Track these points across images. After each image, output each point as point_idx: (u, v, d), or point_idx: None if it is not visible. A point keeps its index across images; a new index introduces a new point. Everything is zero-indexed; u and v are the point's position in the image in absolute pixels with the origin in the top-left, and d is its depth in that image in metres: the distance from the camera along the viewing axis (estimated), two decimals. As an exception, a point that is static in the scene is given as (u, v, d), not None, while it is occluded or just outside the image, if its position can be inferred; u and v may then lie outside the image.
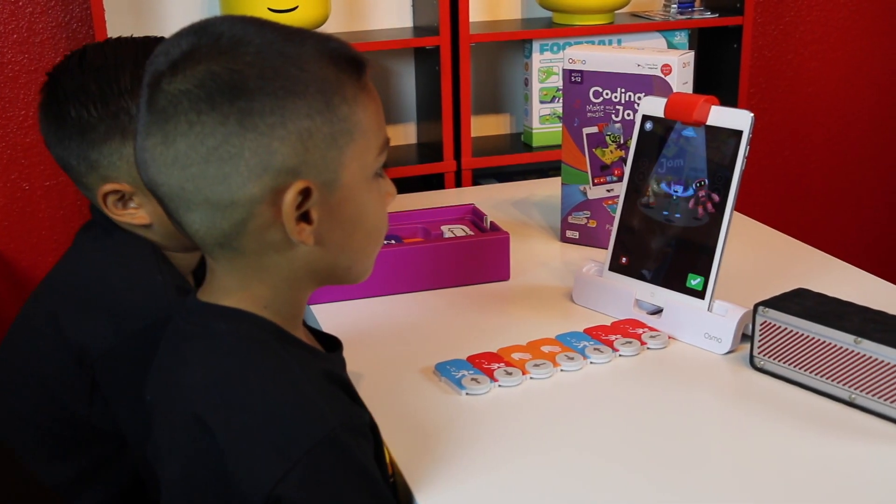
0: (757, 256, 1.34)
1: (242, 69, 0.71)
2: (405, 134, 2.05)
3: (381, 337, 1.10)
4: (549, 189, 1.60)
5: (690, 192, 1.09)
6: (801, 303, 1.00)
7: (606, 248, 1.18)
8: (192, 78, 0.71)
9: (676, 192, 1.10)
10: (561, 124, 1.38)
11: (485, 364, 1.01)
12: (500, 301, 1.19)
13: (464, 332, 1.11)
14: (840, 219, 2.55)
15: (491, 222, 1.30)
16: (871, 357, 0.93)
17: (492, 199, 1.56)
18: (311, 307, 1.17)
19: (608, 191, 1.35)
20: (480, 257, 1.24)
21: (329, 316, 1.14)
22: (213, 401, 0.70)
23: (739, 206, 2.08)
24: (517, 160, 1.92)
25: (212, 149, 0.71)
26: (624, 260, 1.14)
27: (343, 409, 0.73)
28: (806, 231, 2.48)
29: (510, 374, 0.99)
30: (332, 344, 0.84)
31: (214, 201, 0.72)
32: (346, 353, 0.86)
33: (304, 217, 0.74)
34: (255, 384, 0.71)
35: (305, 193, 0.73)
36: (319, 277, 0.78)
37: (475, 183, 1.94)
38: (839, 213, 2.54)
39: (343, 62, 0.75)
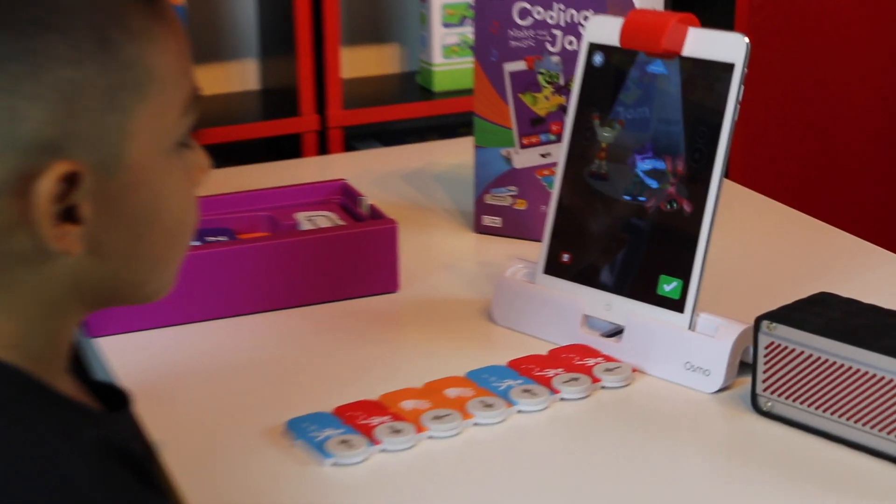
0: (760, 247, 1.34)
1: None
2: (242, 76, 2.04)
3: (201, 382, 1.09)
4: (456, 155, 1.60)
5: (660, 154, 1.10)
6: (825, 314, 1.00)
7: (540, 241, 1.17)
8: None
9: (640, 155, 1.11)
10: (473, 59, 1.37)
11: (361, 418, 1.01)
12: (384, 323, 1.19)
13: (329, 371, 1.11)
14: (882, 189, 2.56)
15: (371, 206, 1.30)
16: (925, 392, 0.95)
17: (373, 172, 1.56)
18: (99, 340, 1.15)
19: (542, 156, 1.35)
20: (355, 259, 1.23)
21: (121, 352, 1.13)
22: None
23: (733, 174, 2.13)
24: (410, 112, 1.94)
25: None
26: (566, 258, 1.15)
27: (128, 498, 0.71)
28: (832, 207, 2.47)
29: (399, 431, 0.99)
30: (116, 399, 0.82)
31: None
32: (144, 410, 0.84)
33: (69, 214, 0.73)
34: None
35: (71, 180, 0.72)
36: (94, 299, 0.77)
37: (348, 148, 1.94)
38: (881, 180, 2.56)
39: None
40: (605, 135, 1.13)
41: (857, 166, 2.55)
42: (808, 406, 0.99)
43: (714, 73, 1.07)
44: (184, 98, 0.77)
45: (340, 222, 1.29)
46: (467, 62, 1.97)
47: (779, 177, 2.49)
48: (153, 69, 0.75)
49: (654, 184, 1.10)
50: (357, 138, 1.99)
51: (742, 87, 1.06)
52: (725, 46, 1.07)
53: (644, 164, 1.11)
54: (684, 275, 1.08)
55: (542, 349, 1.12)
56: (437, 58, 2.00)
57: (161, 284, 0.80)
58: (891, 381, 0.95)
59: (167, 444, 0.97)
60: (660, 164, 1.10)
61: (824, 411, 0.98)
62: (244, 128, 1.86)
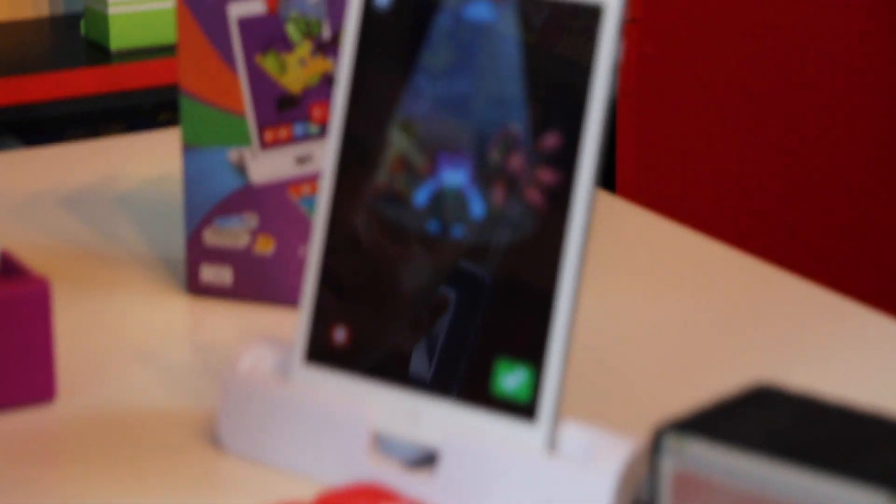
0: (662, 307, 1.34)
1: None
2: None
3: None
4: (154, 161, 1.59)
5: (490, 153, 1.07)
6: (766, 420, 1.00)
7: (296, 306, 1.16)
8: None
9: (455, 159, 1.06)
10: None
11: None
12: (29, 457, 1.15)
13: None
14: (859, 218, 2.61)
15: (4, 254, 1.27)
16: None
17: (9, 191, 1.55)
18: None
19: (299, 161, 1.33)
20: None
21: None
22: None
23: (620, 186, 2.31)
24: (71, 86, 1.90)
25: None
26: (342, 336, 1.12)
27: None
28: (780, 244, 2.54)
29: None
30: None
31: None
32: None
33: None
34: None
35: None
36: None
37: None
38: (859, 205, 2.58)
39: None
40: (400, 130, 1.10)
41: (825, 190, 2.63)
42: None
43: (574, 22, 1.06)
44: None
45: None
46: (165, 2, 1.97)
47: (695, 193, 2.54)
48: None
49: (479, 206, 1.07)
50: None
51: (621, 43, 1.03)
52: (590, -21, 1.06)
53: (459, 174, 1.08)
54: (535, 358, 1.05)
55: (306, 491, 1.09)
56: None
57: None
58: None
59: None
60: (487, 160, 1.08)
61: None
62: None
